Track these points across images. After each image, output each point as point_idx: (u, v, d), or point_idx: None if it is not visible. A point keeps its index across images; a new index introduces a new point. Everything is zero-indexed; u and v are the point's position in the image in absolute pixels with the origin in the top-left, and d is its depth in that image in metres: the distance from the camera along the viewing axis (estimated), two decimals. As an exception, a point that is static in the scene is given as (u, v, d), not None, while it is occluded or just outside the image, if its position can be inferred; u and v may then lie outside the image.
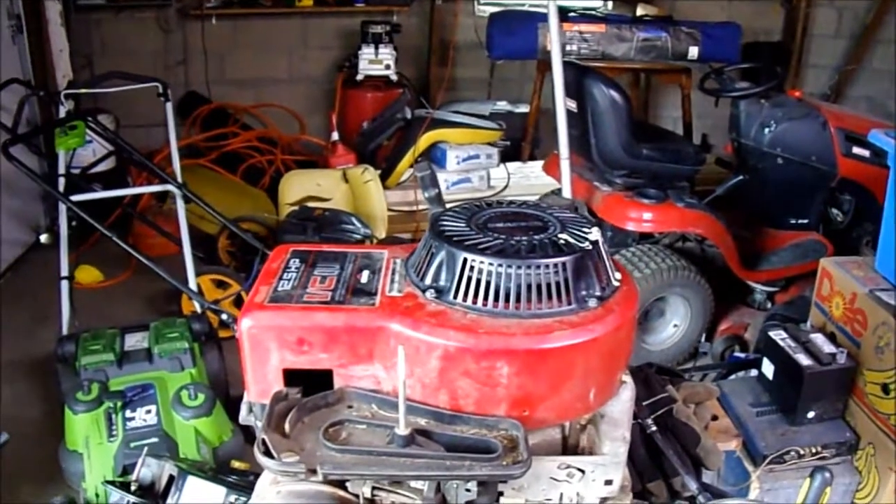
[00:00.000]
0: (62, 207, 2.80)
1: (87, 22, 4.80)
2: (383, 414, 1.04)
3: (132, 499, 1.68)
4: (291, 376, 1.05)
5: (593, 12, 4.78)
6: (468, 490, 1.03)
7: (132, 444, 2.07)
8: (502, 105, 5.14)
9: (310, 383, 1.05)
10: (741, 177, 3.39)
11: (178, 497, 1.66)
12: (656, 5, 5.18)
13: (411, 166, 4.36)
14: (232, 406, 2.30)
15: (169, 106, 3.16)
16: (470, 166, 4.50)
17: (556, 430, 1.12)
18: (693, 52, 4.45)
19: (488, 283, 1.02)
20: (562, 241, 1.06)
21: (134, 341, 2.49)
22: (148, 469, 1.72)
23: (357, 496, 1.03)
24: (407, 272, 1.13)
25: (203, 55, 5.04)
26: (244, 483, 1.72)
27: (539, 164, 4.23)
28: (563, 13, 4.29)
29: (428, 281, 1.07)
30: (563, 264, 1.03)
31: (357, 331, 1.03)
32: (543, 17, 4.06)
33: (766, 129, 3.22)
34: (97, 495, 2.04)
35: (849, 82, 5.88)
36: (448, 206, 1.23)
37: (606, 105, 3.08)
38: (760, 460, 2.05)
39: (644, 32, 4.42)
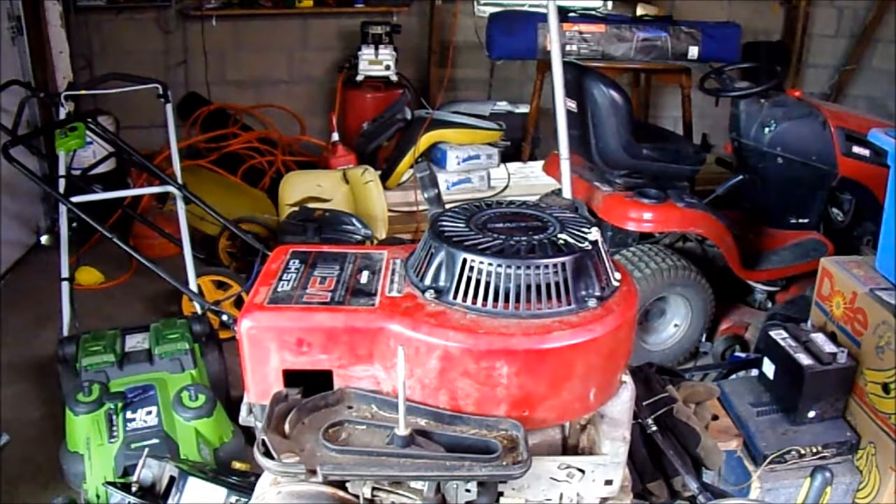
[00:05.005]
0: (62, 209, 2.80)
1: (87, 23, 4.80)
2: (383, 414, 1.03)
3: (133, 500, 1.68)
4: (291, 377, 1.05)
5: (593, 12, 4.79)
6: (468, 490, 1.03)
7: (133, 446, 2.06)
8: (502, 105, 5.14)
9: (310, 384, 1.05)
10: (741, 176, 3.39)
11: (178, 498, 1.66)
12: (656, 5, 5.19)
13: (411, 167, 4.36)
14: (232, 407, 2.30)
15: (169, 107, 3.16)
16: (470, 167, 4.50)
17: (556, 430, 1.11)
18: (693, 52, 4.46)
19: (488, 284, 1.02)
20: (561, 242, 1.06)
21: (134, 342, 2.49)
22: (149, 470, 1.72)
23: (357, 497, 1.03)
24: (406, 273, 1.12)
25: (203, 56, 5.05)
26: (245, 484, 1.72)
27: (539, 164, 4.23)
28: (563, 13, 4.30)
29: (427, 281, 1.07)
30: (563, 264, 1.03)
31: (357, 331, 1.02)
32: (543, 17, 4.06)
33: (766, 129, 3.22)
34: (98, 496, 2.04)
35: (849, 82, 5.88)
36: (448, 206, 1.23)
37: (606, 105, 3.08)
38: (761, 460, 2.05)
39: (644, 32, 4.43)
